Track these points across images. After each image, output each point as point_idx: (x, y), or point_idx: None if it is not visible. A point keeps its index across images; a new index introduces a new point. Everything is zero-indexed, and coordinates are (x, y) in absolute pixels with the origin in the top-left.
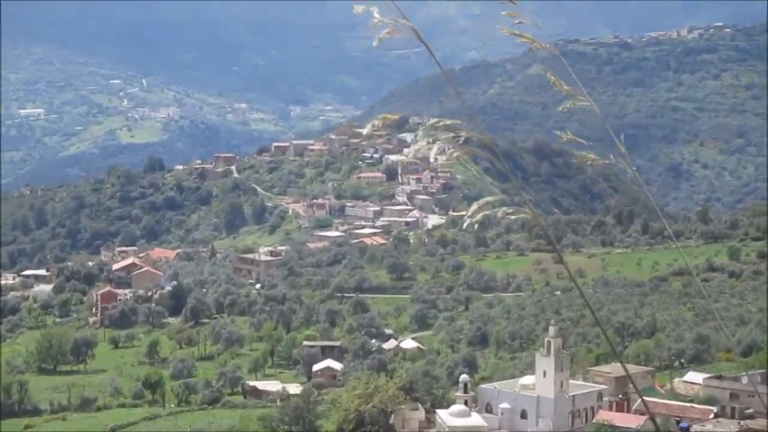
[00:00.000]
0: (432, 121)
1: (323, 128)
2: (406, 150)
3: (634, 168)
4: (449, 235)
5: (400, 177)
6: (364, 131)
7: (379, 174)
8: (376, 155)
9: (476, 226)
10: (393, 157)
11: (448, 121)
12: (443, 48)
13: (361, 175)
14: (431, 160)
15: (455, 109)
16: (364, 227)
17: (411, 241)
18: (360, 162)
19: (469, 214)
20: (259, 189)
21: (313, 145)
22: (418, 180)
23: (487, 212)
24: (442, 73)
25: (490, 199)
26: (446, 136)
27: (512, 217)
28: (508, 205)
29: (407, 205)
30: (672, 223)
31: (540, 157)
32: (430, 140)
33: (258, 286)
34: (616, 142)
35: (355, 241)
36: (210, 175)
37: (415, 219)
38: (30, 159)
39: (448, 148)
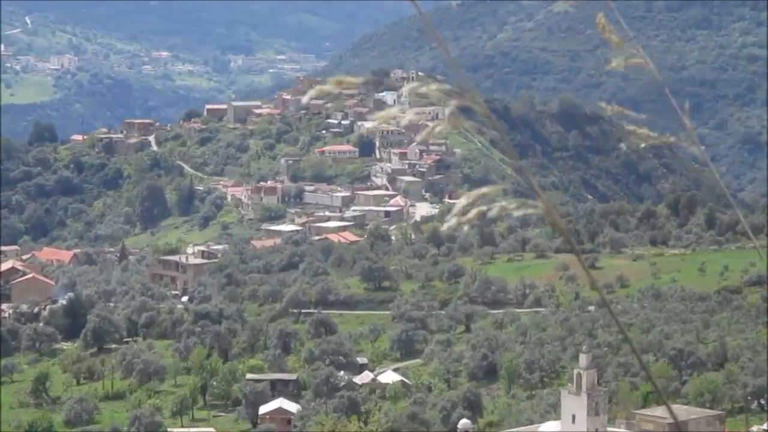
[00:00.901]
0: (410, 85)
1: (274, 85)
2: (384, 115)
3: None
4: (444, 231)
5: (378, 151)
6: (304, 99)
7: (349, 147)
8: (345, 122)
9: (466, 227)
10: (368, 125)
11: (433, 87)
12: None
13: (326, 148)
14: (418, 129)
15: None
16: (329, 219)
17: (393, 238)
18: (324, 131)
19: (455, 211)
20: (186, 167)
21: (260, 107)
22: (403, 156)
23: (483, 208)
24: (418, 10)
25: (485, 189)
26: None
27: (519, 212)
28: (516, 196)
29: (387, 189)
30: (747, 214)
31: (567, 124)
32: (410, 105)
33: (185, 299)
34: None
35: (318, 237)
36: (120, 148)
37: (398, 208)
38: None
39: (440, 115)
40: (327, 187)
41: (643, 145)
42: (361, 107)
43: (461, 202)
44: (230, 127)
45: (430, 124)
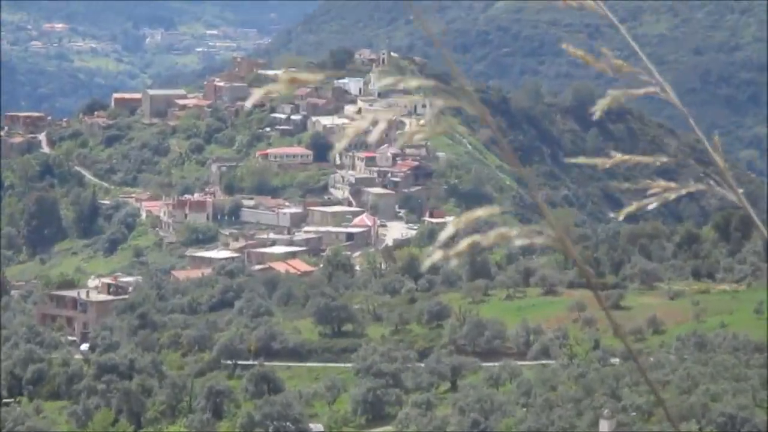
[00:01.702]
0: (380, 72)
1: (203, 68)
2: (349, 108)
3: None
4: (425, 259)
5: (338, 156)
6: (247, 103)
7: (301, 150)
8: (295, 117)
9: (454, 260)
10: (326, 121)
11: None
12: None
13: (271, 151)
14: (388, 127)
15: (441, 36)
16: (274, 243)
17: (357, 267)
18: (268, 129)
19: (439, 241)
20: (88, 175)
21: (184, 97)
22: (371, 161)
23: (476, 238)
24: None
25: (480, 212)
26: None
27: (521, 241)
28: (518, 215)
29: (350, 204)
30: None
31: (584, 121)
32: (379, 96)
33: (85, 347)
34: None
35: (259, 267)
36: (0, 148)
37: (364, 229)
38: None
39: (419, 108)
40: (272, 201)
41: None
42: (316, 98)
43: (447, 231)
44: (145, 122)
45: (407, 122)
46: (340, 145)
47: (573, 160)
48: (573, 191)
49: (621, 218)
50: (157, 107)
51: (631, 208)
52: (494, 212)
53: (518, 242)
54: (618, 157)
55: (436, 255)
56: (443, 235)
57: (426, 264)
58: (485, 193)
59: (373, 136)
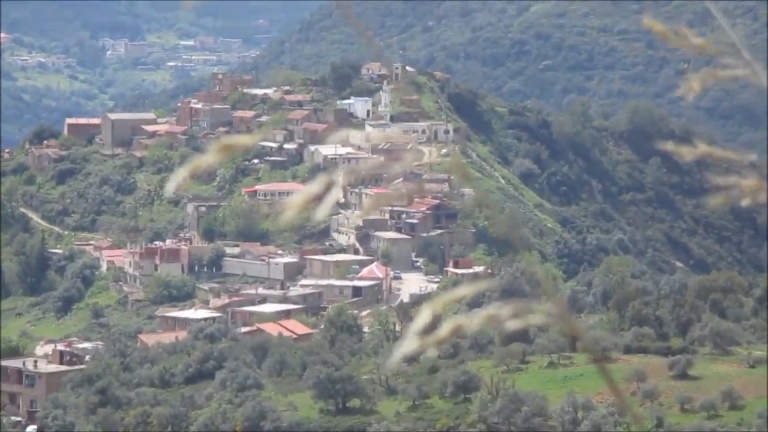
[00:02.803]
0: (391, 89)
1: (176, 87)
2: (354, 134)
3: None
4: (394, 353)
5: (342, 192)
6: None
7: (296, 186)
8: (290, 145)
9: (432, 350)
10: (327, 150)
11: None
12: None
13: (261, 187)
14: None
15: (460, 46)
16: (264, 300)
17: (366, 329)
18: (256, 161)
19: (414, 329)
20: (35, 218)
21: (154, 123)
22: (378, 198)
23: (461, 322)
24: None
25: (464, 291)
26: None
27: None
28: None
29: (357, 252)
30: None
31: (643, 149)
32: (391, 120)
33: (32, 429)
34: None
35: (246, 329)
36: None
37: (374, 283)
38: None
39: (441, 132)
40: (261, 249)
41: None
42: (315, 124)
43: (422, 317)
44: (106, 153)
45: (426, 151)
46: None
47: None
48: (629, 235)
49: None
50: (121, 135)
51: (718, 199)
52: (529, 257)
53: (510, 325)
54: (703, 147)
55: (409, 344)
56: (418, 322)
57: (393, 360)
58: (521, 237)
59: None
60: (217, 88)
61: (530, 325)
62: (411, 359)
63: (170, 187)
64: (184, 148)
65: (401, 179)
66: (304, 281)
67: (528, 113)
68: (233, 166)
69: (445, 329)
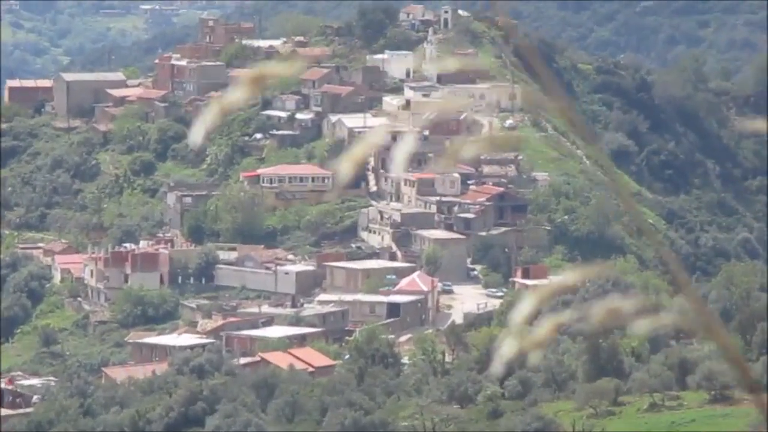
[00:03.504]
0: (438, 40)
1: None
2: (389, 100)
3: None
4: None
5: (371, 176)
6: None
7: (313, 169)
8: (304, 115)
9: (535, 354)
10: (352, 121)
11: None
12: None
13: (264, 171)
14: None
15: None
16: (270, 321)
17: (405, 360)
18: (259, 136)
19: (513, 324)
20: None
21: (123, 86)
22: (427, 185)
23: (562, 320)
24: None
25: (571, 276)
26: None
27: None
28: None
29: (394, 258)
30: None
31: None
32: (439, 82)
33: None
34: None
35: (247, 360)
36: None
37: (417, 297)
38: None
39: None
40: (266, 253)
41: None
42: (337, 85)
43: (525, 305)
44: (60, 127)
45: (486, 122)
46: (340, 173)
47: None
48: (757, 234)
49: None
50: (79, 102)
51: None
52: (624, 264)
53: (640, 327)
54: None
55: (509, 346)
56: (520, 312)
57: (496, 367)
58: (612, 236)
59: (398, 162)
60: (208, 40)
61: (661, 326)
62: (465, 399)
63: (197, 135)
64: (164, 120)
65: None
66: (323, 296)
67: (622, 71)
68: (228, 143)
69: (545, 327)
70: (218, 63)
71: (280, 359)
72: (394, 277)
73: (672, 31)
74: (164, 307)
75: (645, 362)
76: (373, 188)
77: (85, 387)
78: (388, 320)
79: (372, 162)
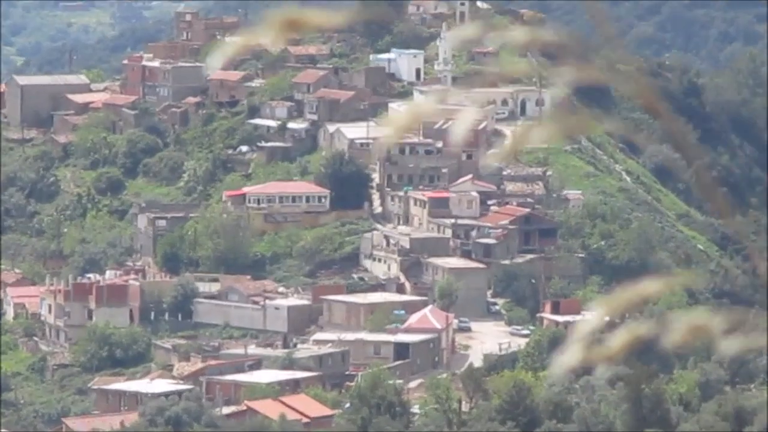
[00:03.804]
0: (453, 35)
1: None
2: (395, 107)
3: None
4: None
5: (376, 193)
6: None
7: (306, 186)
8: (297, 124)
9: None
10: (353, 131)
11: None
12: None
13: (250, 189)
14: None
15: None
16: (258, 364)
17: (416, 409)
18: (244, 149)
19: (577, 336)
20: None
21: (87, 90)
22: (440, 204)
23: (640, 330)
24: None
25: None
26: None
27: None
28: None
29: (403, 290)
30: None
31: None
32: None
33: None
34: None
35: (230, 410)
36: None
37: (429, 336)
38: None
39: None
40: (252, 285)
41: None
42: (335, 90)
43: (593, 318)
44: (13, 138)
45: (508, 132)
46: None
47: None
48: None
49: None
50: (35, 108)
51: None
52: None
53: (729, 347)
54: None
55: (571, 356)
56: (587, 324)
57: (556, 371)
58: (657, 264)
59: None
60: (185, 37)
61: (748, 349)
62: None
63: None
64: (134, 130)
65: (470, 176)
66: (319, 335)
67: (667, 73)
68: (209, 157)
69: (618, 338)
70: (197, 64)
71: (269, 408)
72: (402, 312)
73: (725, 26)
74: (134, 348)
75: (695, 411)
76: (378, 209)
77: None
78: (396, 363)
79: (376, 177)
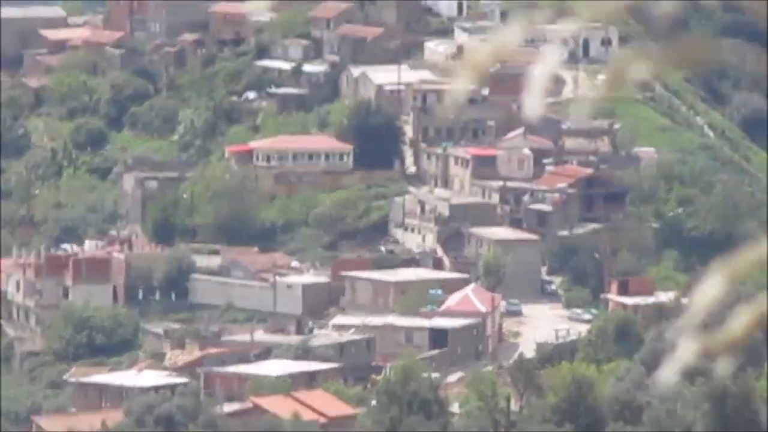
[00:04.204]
0: None
1: None
2: (432, 46)
3: None
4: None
5: (413, 150)
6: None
7: (326, 140)
8: (314, 66)
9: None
10: (384, 76)
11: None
12: None
13: (257, 144)
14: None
15: None
16: (268, 353)
17: (456, 407)
18: (251, 94)
19: (687, 321)
20: None
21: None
22: (486, 163)
23: None
24: None
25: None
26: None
27: None
28: None
29: (440, 266)
30: None
31: None
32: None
33: None
34: None
35: (234, 407)
36: None
37: (472, 321)
38: None
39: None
40: (261, 258)
41: None
42: (360, 26)
43: (709, 290)
44: None
45: (569, 78)
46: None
47: None
48: None
49: None
50: (3, 48)
51: None
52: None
53: None
54: None
55: (686, 349)
56: (698, 305)
57: (666, 375)
58: (744, 236)
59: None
60: None
61: None
62: None
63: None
64: (119, 73)
65: (521, 131)
66: (340, 319)
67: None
68: (209, 105)
69: (740, 321)
70: None
71: (280, 406)
72: (439, 292)
73: None
74: (119, 333)
75: None
76: (411, 169)
77: None
78: (432, 352)
79: (409, 130)
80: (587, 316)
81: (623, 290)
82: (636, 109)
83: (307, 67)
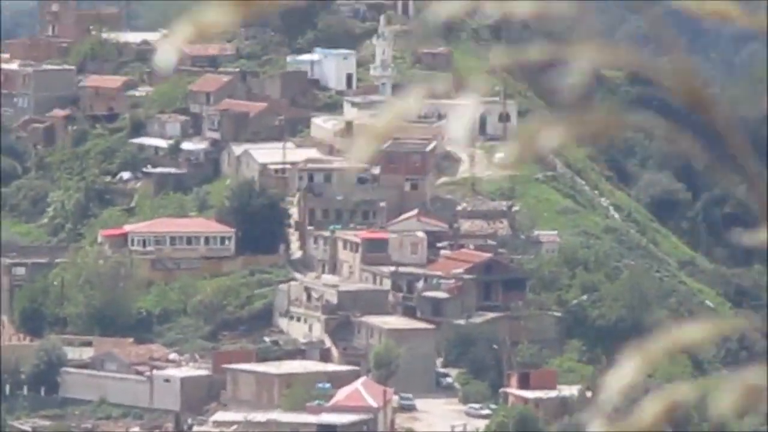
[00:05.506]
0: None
1: None
2: (319, 122)
3: None
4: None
5: (299, 233)
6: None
7: (212, 225)
8: (193, 144)
9: None
10: (264, 156)
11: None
12: None
13: (133, 228)
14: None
15: None
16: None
17: None
18: (125, 176)
19: (600, 408)
20: None
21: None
22: (374, 247)
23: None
24: None
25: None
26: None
27: None
28: None
29: (328, 357)
30: None
31: None
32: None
33: None
34: None
35: None
36: None
37: (362, 418)
38: None
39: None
40: (137, 350)
41: None
42: (242, 101)
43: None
44: None
45: (465, 155)
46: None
47: None
48: None
49: None
50: None
51: None
52: None
53: None
54: None
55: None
56: (611, 390)
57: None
58: (653, 325)
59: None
60: (51, 32)
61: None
62: None
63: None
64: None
65: (414, 212)
66: (221, 415)
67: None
68: (80, 186)
69: (651, 405)
70: (66, 66)
71: None
72: (327, 386)
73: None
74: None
75: None
76: (297, 254)
77: None
78: None
79: (294, 212)
80: (485, 411)
81: (524, 383)
82: (536, 189)
83: (186, 145)
